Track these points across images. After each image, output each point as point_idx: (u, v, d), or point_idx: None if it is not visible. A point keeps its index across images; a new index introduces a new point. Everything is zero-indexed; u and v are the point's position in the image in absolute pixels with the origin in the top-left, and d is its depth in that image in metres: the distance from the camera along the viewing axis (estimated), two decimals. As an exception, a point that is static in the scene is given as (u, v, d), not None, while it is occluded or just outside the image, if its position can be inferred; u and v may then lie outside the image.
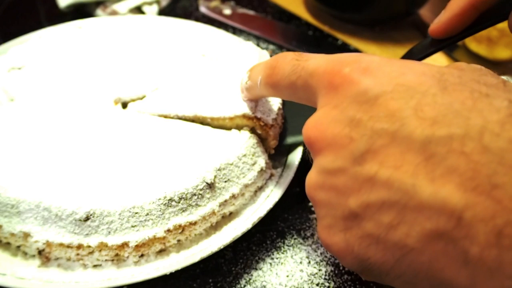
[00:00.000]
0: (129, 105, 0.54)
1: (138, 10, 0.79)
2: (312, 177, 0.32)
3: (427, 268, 0.25)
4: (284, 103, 0.52)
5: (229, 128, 0.49)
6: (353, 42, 0.77)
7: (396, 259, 0.26)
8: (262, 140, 0.50)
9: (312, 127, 0.31)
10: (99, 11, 0.78)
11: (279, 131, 0.51)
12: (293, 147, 0.52)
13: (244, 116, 0.47)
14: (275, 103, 0.50)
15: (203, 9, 0.82)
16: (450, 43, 0.41)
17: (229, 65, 0.53)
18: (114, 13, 0.77)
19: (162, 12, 0.80)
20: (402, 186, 0.25)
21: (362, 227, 0.28)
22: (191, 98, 0.51)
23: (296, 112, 0.52)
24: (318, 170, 0.31)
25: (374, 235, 0.27)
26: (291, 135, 0.52)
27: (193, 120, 0.50)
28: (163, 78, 0.56)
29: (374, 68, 0.29)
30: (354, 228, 0.29)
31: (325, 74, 0.31)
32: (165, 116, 0.51)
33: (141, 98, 0.55)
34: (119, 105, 0.53)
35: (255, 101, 0.48)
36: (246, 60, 0.52)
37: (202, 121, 0.50)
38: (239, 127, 0.49)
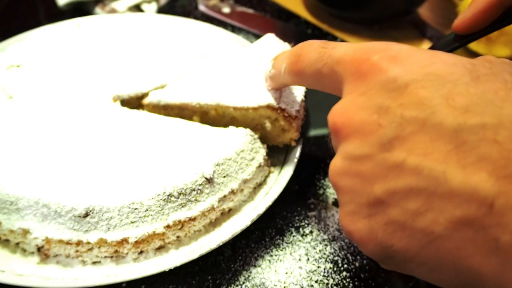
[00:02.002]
0: (150, 93, 0.54)
1: (137, 8, 0.79)
2: (336, 163, 0.32)
3: (454, 255, 0.25)
4: (306, 96, 0.52)
5: (251, 119, 0.49)
6: (352, 40, 0.77)
7: (422, 246, 0.26)
8: (283, 132, 0.49)
9: (338, 113, 0.31)
10: (98, 9, 0.78)
11: (301, 123, 0.50)
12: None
13: (269, 106, 0.47)
14: (299, 95, 0.50)
15: (202, 7, 0.82)
16: (473, 38, 0.41)
17: (252, 56, 0.52)
18: (113, 11, 0.77)
19: (161, 10, 0.80)
20: (432, 173, 0.25)
21: (387, 214, 0.28)
22: (214, 87, 0.50)
23: (317, 105, 0.52)
24: (343, 156, 0.31)
25: (399, 222, 0.27)
26: (312, 128, 0.52)
27: (215, 109, 0.50)
28: (162, 76, 0.56)
29: (403, 57, 0.29)
30: (379, 214, 0.28)
31: (353, 62, 0.31)
32: (186, 104, 0.50)
33: (139, 96, 0.55)
34: (118, 103, 0.53)
35: (280, 92, 0.48)
36: (269, 51, 0.51)
37: (224, 111, 0.50)
38: (262, 118, 0.48)
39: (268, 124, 0.49)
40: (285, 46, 0.53)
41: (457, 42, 0.42)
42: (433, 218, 0.25)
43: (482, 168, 0.24)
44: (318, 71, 0.36)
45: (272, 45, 0.52)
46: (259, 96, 0.47)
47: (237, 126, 0.50)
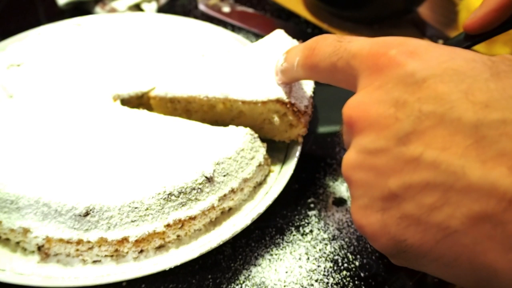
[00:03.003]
0: (157, 86, 0.53)
1: (137, 7, 0.79)
2: (350, 157, 0.31)
3: (469, 251, 0.25)
4: (314, 93, 0.52)
5: (259, 113, 0.48)
6: (351, 40, 0.77)
7: (437, 241, 0.26)
8: (291, 127, 0.49)
9: (354, 106, 0.31)
10: (98, 9, 0.78)
11: (309, 120, 0.50)
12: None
13: (278, 100, 0.47)
14: (308, 91, 0.50)
15: (202, 6, 0.82)
16: (484, 38, 0.41)
17: (261, 51, 0.52)
18: (113, 10, 0.77)
19: (161, 9, 0.80)
20: (450, 168, 0.25)
21: (401, 208, 0.28)
22: (223, 80, 0.49)
23: (325, 103, 0.52)
24: (357, 150, 0.31)
25: (414, 216, 0.27)
26: (320, 125, 0.51)
27: (223, 102, 0.49)
28: (162, 76, 0.56)
29: (421, 52, 0.29)
30: (393, 208, 0.28)
31: (369, 56, 0.31)
32: (194, 97, 0.50)
33: (139, 95, 0.55)
34: (118, 102, 0.53)
35: (289, 87, 0.47)
36: (278, 46, 0.51)
37: (232, 104, 0.49)
38: (270, 112, 0.48)
39: (276, 119, 0.48)
40: (294, 42, 0.53)
41: (467, 42, 0.42)
42: (450, 213, 0.25)
43: (502, 163, 0.24)
44: (332, 65, 0.35)
45: (281, 41, 0.52)
46: (268, 90, 0.47)
47: (244, 120, 0.50)
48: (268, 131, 0.51)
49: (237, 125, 0.51)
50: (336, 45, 0.35)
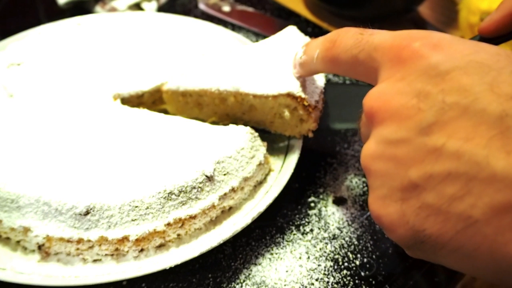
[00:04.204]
0: (169, 79, 0.54)
1: (137, 6, 0.79)
2: (370, 147, 0.32)
3: (490, 241, 0.25)
4: (325, 90, 0.52)
5: (270, 108, 0.49)
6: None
7: (457, 231, 0.26)
8: (302, 122, 0.49)
9: (375, 97, 0.31)
10: (98, 8, 0.78)
11: (320, 115, 0.50)
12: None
13: (289, 94, 0.47)
14: (319, 86, 0.50)
15: (202, 6, 0.82)
16: (499, 42, 0.41)
17: (274, 46, 0.52)
18: (113, 9, 0.77)
19: (161, 9, 0.80)
20: (473, 158, 0.25)
21: (421, 198, 0.28)
22: (234, 74, 0.50)
23: (335, 100, 0.52)
24: (377, 140, 0.31)
25: (434, 206, 0.27)
26: (330, 122, 0.51)
27: (234, 96, 0.49)
28: (162, 75, 0.56)
29: (445, 45, 0.29)
30: (412, 198, 0.28)
31: (392, 48, 0.31)
32: (205, 90, 0.50)
33: (140, 94, 0.55)
34: (118, 101, 0.53)
35: (301, 82, 0.47)
36: (291, 42, 0.51)
37: (243, 98, 0.49)
38: (281, 107, 0.48)
39: (286, 113, 0.48)
40: (306, 39, 0.53)
41: None
42: (472, 203, 0.25)
43: None
44: (353, 58, 0.35)
45: (293, 37, 0.52)
46: (279, 84, 0.47)
47: (255, 114, 0.50)
48: (279, 125, 0.51)
49: (248, 119, 0.51)
50: (358, 38, 0.35)
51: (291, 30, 0.53)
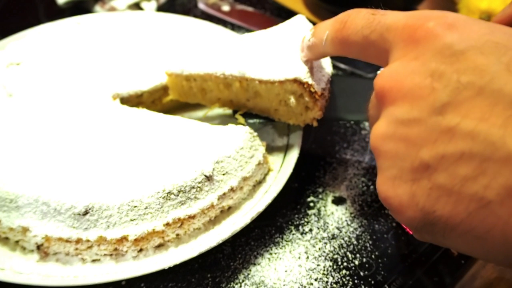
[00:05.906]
0: (172, 64, 0.53)
1: (136, 6, 0.79)
2: (380, 127, 0.31)
3: (503, 223, 0.24)
4: (332, 81, 0.51)
5: (276, 94, 0.48)
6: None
7: (469, 213, 0.26)
8: (307, 110, 0.48)
9: (387, 77, 0.31)
10: (97, 7, 0.78)
11: (325, 104, 0.49)
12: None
13: (296, 80, 0.46)
14: (326, 74, 0.50)
15: (201, 5, 0.82)
16: None
17: (281, 33, 0.51)
18: (112, 9, 0.77)
19: (161, 8, 0.80)
20: (488, 137, 0.25)
21: (433, 179, 0.27)
22: (240, 59, 0.49)
23: (341, 92, 0.51)
24: (389, 120, 0.30)
25: (446, 187, 0.26)
26: (335, 112, 0.51)
27: (240, 81, 0.49)
28: (162, 74, 0.56)
29: (460, 25, 0.29)
30: (423, 179, 0.28)
31: (405, 28, 0.31)
32: (210, 75, 0.50)
33: (139, 94, 0.55)
34: (117, 100, 0.53)
35: (308, 68, 0.46)
36: (299, 30, 0.50)
37: (249, 84, 0.49)
38: (287, 93, 0.48)
39: (292, 100, 0.48)
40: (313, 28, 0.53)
41: None
42: (486, 183, 0.25)
43: None
44: (364, 39, 0.35)
45: (301, 25, 0.51)
46: (286, 70, 0.46)
47: (260, 101, 0.49)
48: (283, 113, 0.50)
49: (252, 106, 0.50)
50: (369, 18, 0.34)
51: (300, 19, 0.53)
